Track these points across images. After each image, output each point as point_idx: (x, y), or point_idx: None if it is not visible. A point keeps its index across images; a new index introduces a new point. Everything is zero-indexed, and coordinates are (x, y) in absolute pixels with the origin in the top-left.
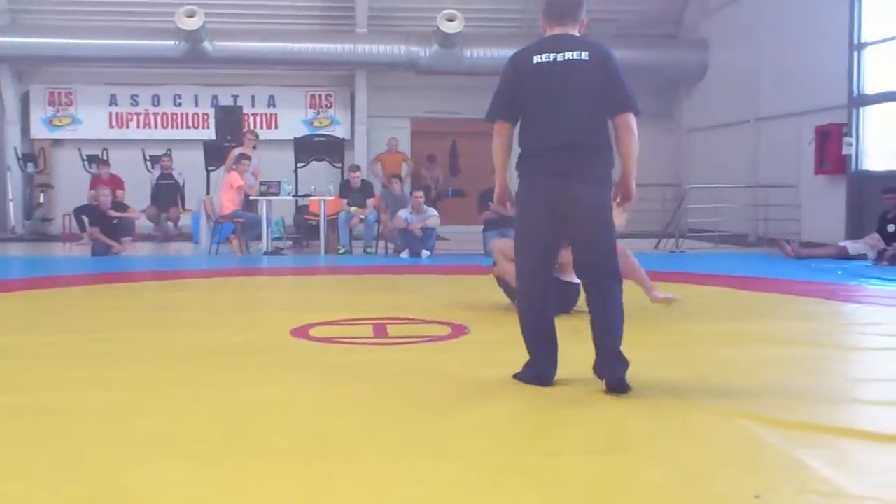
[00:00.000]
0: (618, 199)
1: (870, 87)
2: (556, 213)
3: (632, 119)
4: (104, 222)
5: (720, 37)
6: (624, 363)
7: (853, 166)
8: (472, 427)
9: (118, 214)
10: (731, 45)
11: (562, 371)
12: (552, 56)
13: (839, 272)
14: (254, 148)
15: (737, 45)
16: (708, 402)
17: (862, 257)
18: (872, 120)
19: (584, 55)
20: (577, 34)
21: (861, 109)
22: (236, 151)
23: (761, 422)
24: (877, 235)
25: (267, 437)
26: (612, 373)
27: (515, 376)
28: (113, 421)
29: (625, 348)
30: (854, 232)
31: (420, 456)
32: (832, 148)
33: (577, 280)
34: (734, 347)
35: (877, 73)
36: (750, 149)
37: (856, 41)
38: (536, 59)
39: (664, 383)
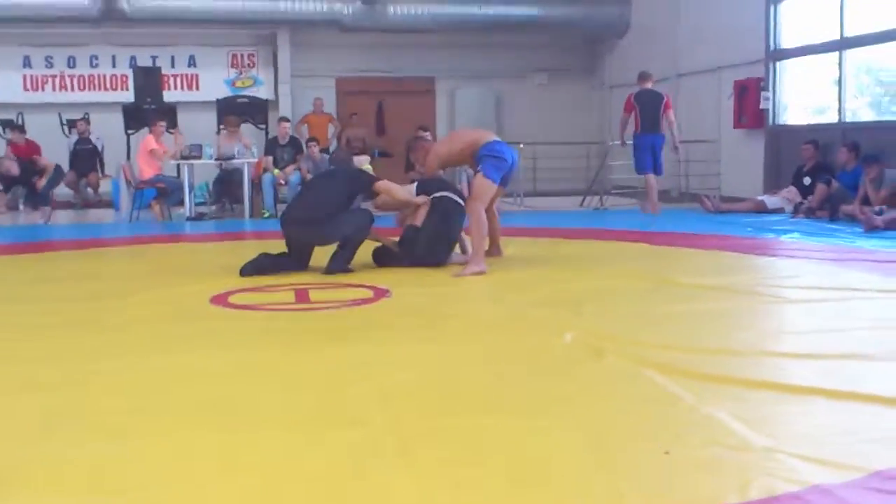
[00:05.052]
0: None
1: (787, 41)
2: None
3: None
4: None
5: None
6: None
7: (770, 120)
8: (386, 390)
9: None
10: (651, 0)
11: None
12: None
13: (749, 228)
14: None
15: (657, 0)
16: (620, 357)
17: (780, 211)
18: (790, 74)
19: None
20: None
21: (778, 63)
22: None
23: (673, 375)
24: (794, 189)
25: (174, 407)
26: None
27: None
28: (14, 395)
29: (535, 304)
30: (772, 186)
31: (331, 422)
32: (750, 102)
33: None
34: (648, 302)
35: (793, 27)
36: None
37: None
38: None
39: (576, 339)
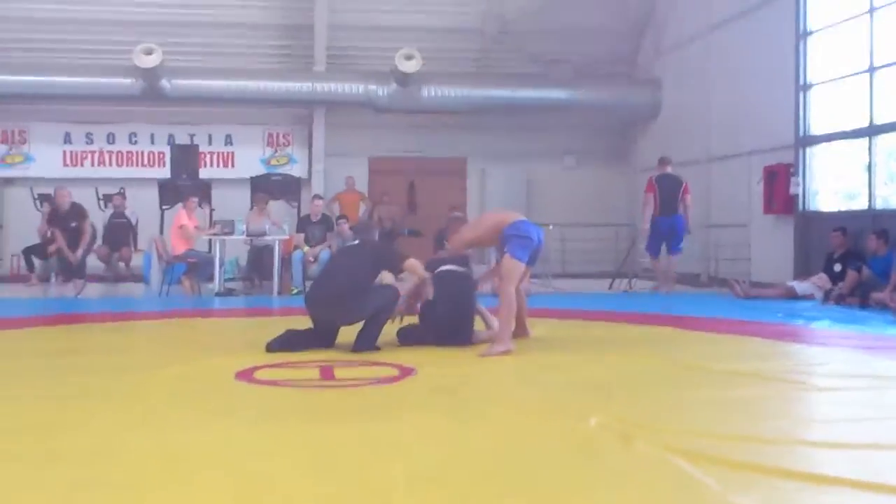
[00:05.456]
0: None
1: (816, 127)
2: None
3: None
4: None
5: (673, 77)
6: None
7: (801, 206)
8: (410, 471)
9: (76, 256)
10: (682, 85)
11: (496, 422)
12: None
13: (779, 314)
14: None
15: (688, 85)
16: (647, 443)
17: (809, 297)
18: (819, 159)
19: None
20: None
21: (808, 149)
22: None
23: (701, 463)
24: (824, 276)
25: (196, 481)
26: None
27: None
28: (39, 466)
29: (562, 387)
30: (801, 272)
31: (355, 503)
32: (780, 188)
33: None
34: (676, 387)
35: (823, 113)
36: (701, 189)
37: (801, 82)
38: None
39: (602, 423)
